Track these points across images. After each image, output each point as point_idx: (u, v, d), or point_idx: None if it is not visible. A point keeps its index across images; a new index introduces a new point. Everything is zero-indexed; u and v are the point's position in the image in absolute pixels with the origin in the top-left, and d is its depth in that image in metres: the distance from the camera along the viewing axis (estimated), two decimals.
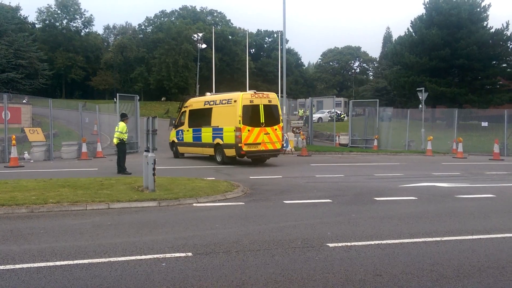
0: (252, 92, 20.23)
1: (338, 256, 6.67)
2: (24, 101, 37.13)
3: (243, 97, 19.43)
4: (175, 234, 7.94)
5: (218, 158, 20.41)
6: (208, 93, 23.94)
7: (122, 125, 17.11)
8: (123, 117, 17.64)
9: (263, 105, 19.58)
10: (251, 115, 19.30)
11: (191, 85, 79.12)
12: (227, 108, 20.03)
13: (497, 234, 8.01)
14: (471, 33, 46.18)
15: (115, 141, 17.24)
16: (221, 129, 20.15)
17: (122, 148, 17.19)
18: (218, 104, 20.87)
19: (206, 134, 21.32)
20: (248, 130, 19.10)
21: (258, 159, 20.66)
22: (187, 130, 22.96)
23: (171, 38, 79.79)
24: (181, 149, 23.68)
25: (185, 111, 23.45)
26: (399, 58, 51.21)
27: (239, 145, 18.94)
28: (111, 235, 7.88)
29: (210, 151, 21.14)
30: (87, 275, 5.81)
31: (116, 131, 17.20)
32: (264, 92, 20.46)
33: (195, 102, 23.25)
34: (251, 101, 19.40)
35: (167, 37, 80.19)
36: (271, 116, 19.80)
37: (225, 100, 20.49)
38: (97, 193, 11.30)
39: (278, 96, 23.31)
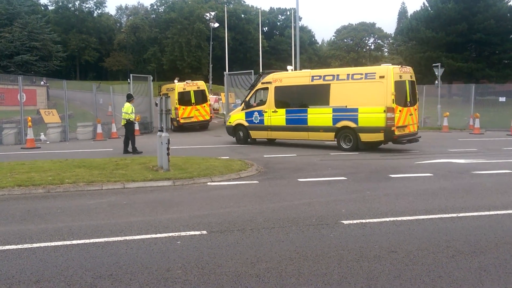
0: (185, 82, 29.40)
1: (353, 233, 6.65)
2: (42, 82, 37.41)
3: (178, 86, 28.63)
4: (190, 212, 7.98)
5: (172, 128, 25.86)
6: (176, 80, 31.32)
7: (127, 106, 17.39)
8: (130, 98, 17.83)
9: (193, 90, 28.80)
10: (185, 98, 28.40)
11: (204, 65, 78.92)
12: (172, 94, 27.63)
13: None
14: (488, 6, 45.16)
15: (122, 121, 17.72)
16: (170, 109, 27.55)
17: (131, 128, 17.40)
18: (170, 90, 29.15)
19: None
20: (183, 108, 28.26)
21: (200, 126, 29.34)
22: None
23: (183, 17, 79.31)
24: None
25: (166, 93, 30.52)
26: (415, 33, 50.36)
27: (178, 118, 27.89)
28: (127, 214, 7.95)
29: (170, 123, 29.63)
30: (104, 253, 5.87)
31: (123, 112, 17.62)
32: (194, 81, 30.76)
33: (164, 89, 31.01)
34: (184, 89, 28.58)
35: (180, 17, 79.70)
36: (200, 97, 28.99)
37: (171, 88, 29.21)
38: (112, 173, 11.39)
39: None
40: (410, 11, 72.36)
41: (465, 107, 30.30)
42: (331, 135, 17.54)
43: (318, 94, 17.83)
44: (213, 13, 56.54)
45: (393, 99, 16.04)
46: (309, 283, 4.89)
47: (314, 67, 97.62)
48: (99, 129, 23.93)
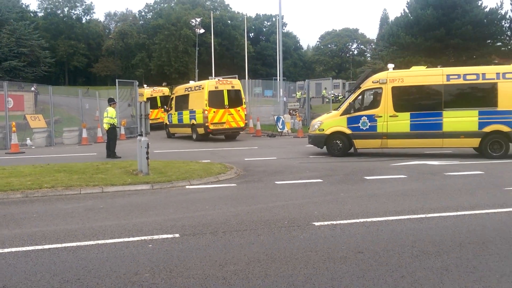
0: (152, 89, 35.18)
1: (323, 235, 6.75)
2: (32, 88, 37.38)
3: (146, 92, 33.84)
4: (165, 216, 8.06)
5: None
6: (145, 85, 37.60)
7: (111, 110, 17.12)
8: (111, 102, 17.68)
9: (159, 96, 34.22)
10: (152, 102, 27.91)
11: (191, 70, 78.85)
12: (141, 99, 29.77)
13: (481, 210, 8.09)
14: (465, 12, 45.60)
15: (105, 126, 17.22)
16: (149, 113, 32.36)
17: (114, 133, 17.30)
18: (140, 95, 31.81)
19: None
20: (151, 111, 28.21)
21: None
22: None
23: (170, 23, 79.51)
24: None
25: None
26: (395, 39, 50.67)
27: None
28: (102, 218, 8.00)
29: None
30: (74, 257, 5.92)
31: (105, 117, 17.25)
32: (160, 88, 35.88)
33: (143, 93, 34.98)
34: (151, 94, 33.67)
35: (167, 23, 79.88)
36: (164, 102, 32.35)
37: (141, 93, 33.06)
38: (92, 178, 11.42)
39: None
40: (392, 17, 73.13)
41: None
42: (189, 130, 25.03)
43: (185, 101, 25.37)
44: (198, 19, 56.70)
45: (206, 103, 22.95)
46: (274, 284, 4.96)
47: (299, 72, 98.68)
48: (85, 134, 23.95)
